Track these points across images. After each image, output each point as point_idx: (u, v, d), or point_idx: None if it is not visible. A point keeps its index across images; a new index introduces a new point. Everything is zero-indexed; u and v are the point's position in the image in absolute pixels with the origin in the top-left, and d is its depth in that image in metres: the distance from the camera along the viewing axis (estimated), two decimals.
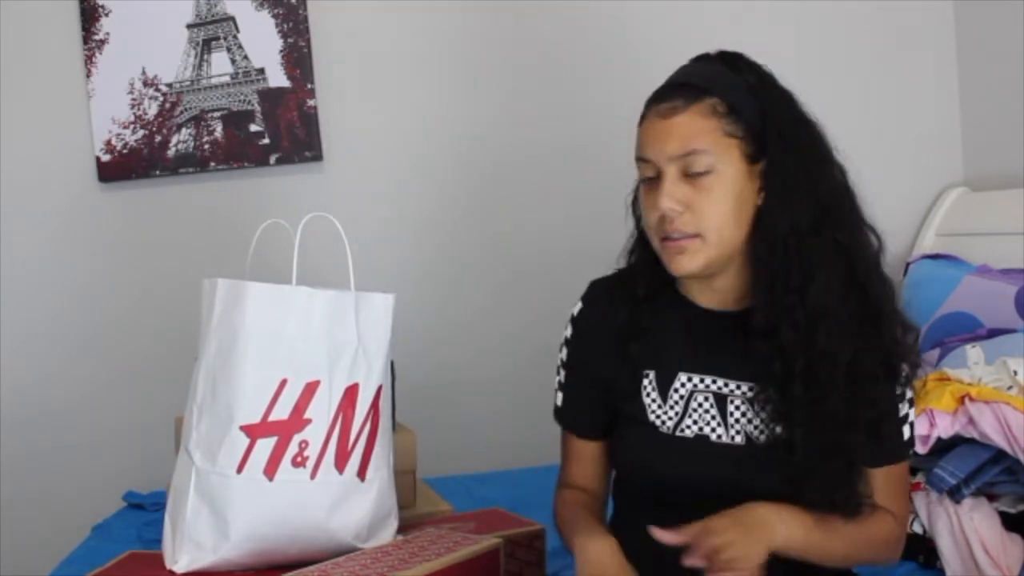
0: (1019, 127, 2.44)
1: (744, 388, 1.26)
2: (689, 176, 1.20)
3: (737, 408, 1.26)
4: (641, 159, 1.25)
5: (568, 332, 1.39)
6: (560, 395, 1.40)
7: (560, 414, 1.41)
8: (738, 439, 1.26)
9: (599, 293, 1.38)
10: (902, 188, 2.68)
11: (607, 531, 1.25)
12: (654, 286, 1.32)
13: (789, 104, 1.26)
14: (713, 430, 1.26)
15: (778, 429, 1.22)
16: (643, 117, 1.26)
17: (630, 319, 1.32)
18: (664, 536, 1.14)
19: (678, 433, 1.27)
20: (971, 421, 1.56)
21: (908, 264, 2.53)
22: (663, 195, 1.20)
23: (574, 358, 1.38)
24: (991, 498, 1.57)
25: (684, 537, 1.13)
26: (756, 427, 1.25)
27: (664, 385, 1.29)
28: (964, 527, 1.52)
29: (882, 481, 1.25)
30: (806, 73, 2.54)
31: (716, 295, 1.29)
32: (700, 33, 2.05)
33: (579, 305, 1.39)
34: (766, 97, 1.24)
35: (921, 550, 1.58)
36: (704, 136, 1.20)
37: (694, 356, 1.29)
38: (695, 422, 1.27)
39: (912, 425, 1.27)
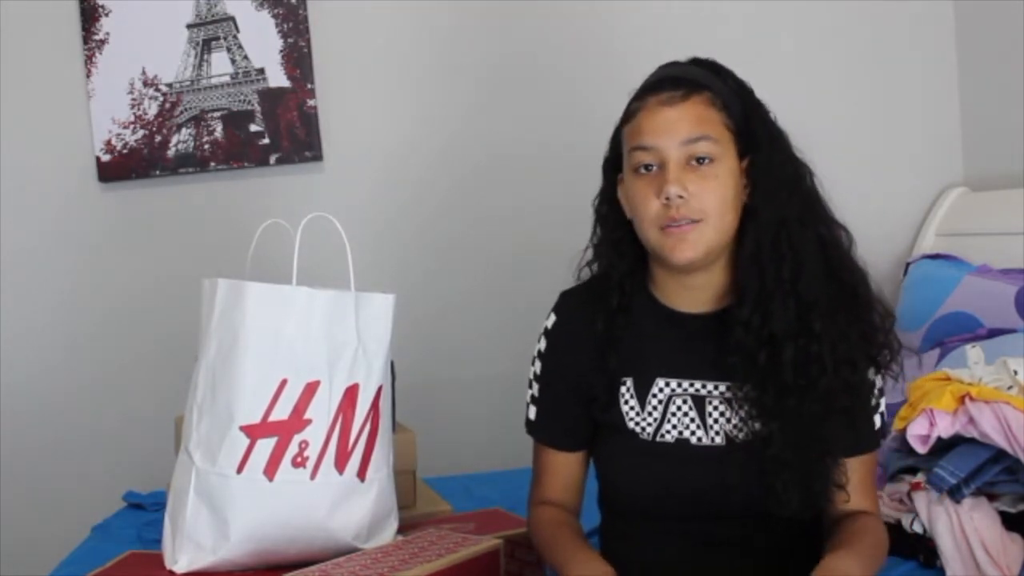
0: (1019, 127, 2.44)
1: (722, 388, 1.27)
2: (692, 164, 1.22)
3: (716, 408, 1.27)
4: (640, 148, 1.24)
5: (542, 345, 1.37)
6: (533, 408, 1.38)
7: (535, 427, 1.38)
8: (718, 440, 1.26)
9: (572, 304, 1.36)
10: (902, 188, 2.68)
11: (599, 555, 1.22)
12: (628, 293, 1.31)
13: (764, 109, 1.29)
14: (693, 433, 1.27)
15: (757, 426, 1.23)
16: (636, 109, 1.26)
17: (607, 329, 1.30)
18: None
19: (658, 439, 1.28)
20: (971, 421, 1.56)
21: (908, 264, 2.53)
22: (671, 182, 1.20)
23: (550, 371, 1.36)
24: (991, 498, 1.57)
25: None
26: (735, 426, 1.26)
27: (642, 391, 1.29)
28: (964, 527, 1.52)
29: (856, 474, 1.26)
30: (806, 73, 2.59)
31: (692, 295, 1.29)
32: (695, 34, 2.05)
33: (552, 317, 1.37)
34: (746, 100, 1.27)
35: (921, 550, 1.57)
36: (711, 123, 1.23)
37: (670, 360, 1.29)
38: (674, 426, 1.27)
39: (883, 415, 1.29)
